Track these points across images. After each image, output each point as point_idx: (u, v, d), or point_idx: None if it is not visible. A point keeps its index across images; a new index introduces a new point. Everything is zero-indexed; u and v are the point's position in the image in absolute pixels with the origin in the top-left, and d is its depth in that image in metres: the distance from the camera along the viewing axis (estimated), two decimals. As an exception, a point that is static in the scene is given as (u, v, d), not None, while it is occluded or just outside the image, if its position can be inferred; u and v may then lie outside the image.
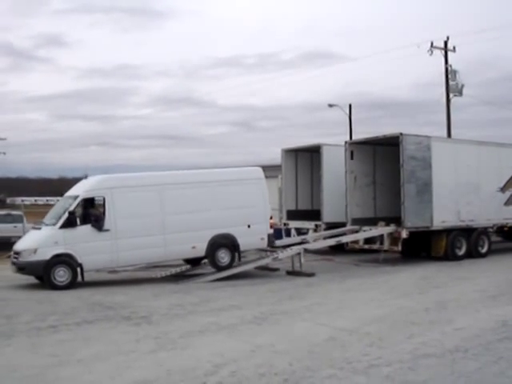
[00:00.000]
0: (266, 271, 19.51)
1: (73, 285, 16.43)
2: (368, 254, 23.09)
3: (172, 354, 9.18)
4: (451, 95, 36.64)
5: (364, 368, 8.08)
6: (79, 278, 16.78)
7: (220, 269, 18.03)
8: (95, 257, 16.62)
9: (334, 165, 23.83)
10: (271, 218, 19.36)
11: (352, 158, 22.89)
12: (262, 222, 18.70)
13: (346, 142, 23.73)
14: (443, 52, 36.63)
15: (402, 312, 12.22)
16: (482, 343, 9.29)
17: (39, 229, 17.49)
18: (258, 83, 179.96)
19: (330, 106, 47.36)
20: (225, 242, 18.09)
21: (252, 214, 18.47)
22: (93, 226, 16.87)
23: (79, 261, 16.50)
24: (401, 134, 20.96)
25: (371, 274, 19.01)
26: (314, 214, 24.70)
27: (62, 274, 16.27)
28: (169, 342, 9.95)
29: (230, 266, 18.21)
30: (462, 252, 22.28)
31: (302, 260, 18.84)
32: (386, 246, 21.40)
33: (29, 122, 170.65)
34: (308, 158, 26.71)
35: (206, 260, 18.73)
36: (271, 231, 19.11)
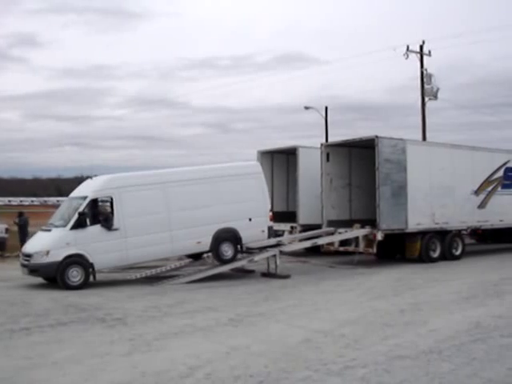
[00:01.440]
0: (242, 273, 19.50)
1: (86, 284, 16.71)
2: (343, 255, 23.17)
3: (147, 356, 9.13)
4: (426, 99, 36.92)
5: (339, 369, 8.10)
6: (91, 278, 17.09)
7: (224, 262, 18.53)
8: (106, 256, 16.95)
9: (310, 167, 23.90)
10: (271, 210, 19.67)
11: (328, 160, 22.96)
12: (262, 215, 19.10)
13: (321, 145, 23.79)
14: (419, 56, 36.90)
15: (376, 314, 12.28)
16: (456, 344, 9.36)
17: (49, 231, 17.57)
18: (233, 85, 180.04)
19: (306, 108, 47.49)
20: (228, 236, 18.49)
21: (252, 207, 18.91)
22: (102, 225, 17.16)
23: (91, 260, 16.80)
24: (376, 136, 21.07)
25: (346, 276, 19.07)
26: (289, 216, 24.73)
27: (75, 275, 16.55)
28: (144, 344, 9.89)
29: (233, 258, 18.72)
30: (436, 254, 22.46)
31: (278, 262, 18.87)
32: (362, 248, 21.49)
33: (2, 122, 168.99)
34: (284, 159, 26.76)
35: (206, 254, 19.09)
36: (271, 223, 19.49)
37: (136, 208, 17.46)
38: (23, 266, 17.33)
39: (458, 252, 23.30)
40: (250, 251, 19.46)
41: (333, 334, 10.44)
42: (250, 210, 18.81)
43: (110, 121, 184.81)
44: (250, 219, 18.81)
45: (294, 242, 21.32)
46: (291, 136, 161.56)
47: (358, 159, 23.64)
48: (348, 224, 22.12)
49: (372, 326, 11.11)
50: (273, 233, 19.73)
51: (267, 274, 18.89)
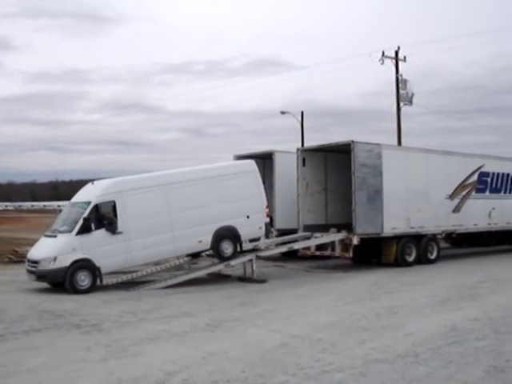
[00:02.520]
0: (218, 278, 19.46)
1: (93, 288, 16.88)
2: (320, 260, 23.23)
3: (123, 362, 9.07)
4: (402, 104, 37.20)
5: (316, 374, 8.11)
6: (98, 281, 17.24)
7: (224, 259, 18.81)
8: (111, 259, 17.16)
9: (286, 171, 23.94)
10: (267, 207, 19.90)
11: (304, 164, 23.01)
12: (259, 212, 19.36)
13: (298, 149, 23.84)
14: (394, 61, 37.18)
15: (353, 318, 12.31)
16: (432, 348, 9.42)
17: (54, 237, 17.64)
18: (208, 90, 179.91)
19: (283, 113, 47.68)
20: (227, 234, 18.78)
21: (250, 205, 19.15)
22: (107, 229, 17.32)
23: (97, 264, 16.99)
24: (352, 141, 21.16)
25: (323, 280, 19.12)
26: (265, 221, 24.69)
27: (83, 279, 16.76)
28: (120, 349, 9.82)
29: (233, 255, 18.94)
30: (411, 258, 22.58)
31: (254, 266, 18.88)
32: (338, 252, 21.56)
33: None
34: (260, 164, 26.54)
35: (204, 253, 19.55)
36: (268, 220, 19.78)
37: (138, 211, 17.68)
38: (30, 272, 17.41)
39: (433, 256, 23.45)
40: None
41: (310, 338, 10.45)
42: (247, 208, 19.09)
43: (84, 125, 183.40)
44: (248, 216, 19.09)
45: (271, 247, 21.31)
46: (267, 141, 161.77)
47: (334, 164, 23.71)
48: (324, 228, 22.18)
49: (349, 330, 11.14)
50: (270, 229, 20.13)
51: (244, 279, 18.89)
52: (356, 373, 8.12)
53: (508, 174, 27.43)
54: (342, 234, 21.24)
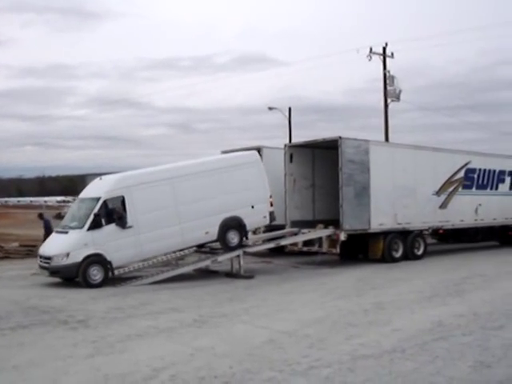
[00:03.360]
0: (206, 274, 19.45)
1: (105, 281, 17.16)
2: (307, 256, 23.26)
3: (110, 358, 9.04)
4: (389, 100, 37.28)
5: (303, 370, 8.12)
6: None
7: (231, 249, 19.07)
8: (122, 253, 17.49)
9: (274, 167, 23.86)
10: (271, 196, 20.07)
11: (291, 160, 23.03)
12: (263, 201, 19.65)
13: (285, 145, 23.85)
14: (381, 58, 37.25)
15: (340, 314, 12.33)
16: (419, 343, 9.45)
17: (65, 233, 17.94)
18: (195, 86, 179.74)
19: (270, 108, 47.63)
20: (233, 224, 19.08)
21: (254, 195, 19.48)
22: (117, 224, 17.59)
23: (108, 258, 17.32)
24: (340, 137, 21.18)
25: (310, 276, 19.14)
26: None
27: (95, 273, 17.08)
28: (107, 346, 9.79)
29: (239, 245, 19.23)
30: (398, 254, 22.66)
31: (242, 262, 18.90)
32: (325, 248, 21.60)
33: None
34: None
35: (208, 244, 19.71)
36: (272, 209, 19.95)
37: (147, 205, 17.97)
38: (43, 268, 17.69)
39: (420, 252, 23.55)
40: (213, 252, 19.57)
41: (297, 334, 10.46)
42: (251, 198, 19.40)
43: (71, 120, 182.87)
44: (253, 206, 19.40)
45: (258, 243, 21.31)
46: (253, 137, 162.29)
47: (322, 160, 23.74)
48: (311, 224, 22.22)
49: (336, 325, 11.15)
50: (274, 218, 20.21)
51: (231, 275, 18.90)
52: (343, 368, 8.14)
53: (494, 171, 27.57)
54: (330, 230, 21.27)
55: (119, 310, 13.34)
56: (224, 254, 19.17)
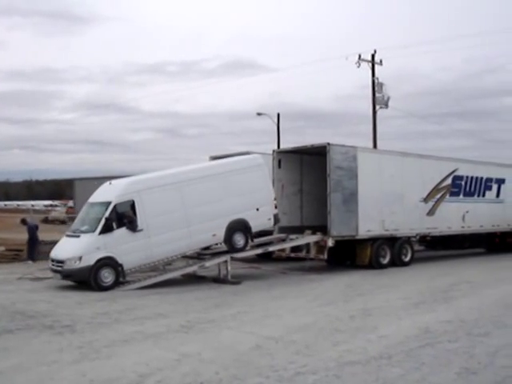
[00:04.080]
0: (193, 279, 19.40)
1: (116, 284, 17.43)
2: (295, 262, 23.27)
3: (96, 363, 8.99)
4: (377, 107, 37.42)
5: (290, 376, 8.11)
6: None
7: (237, 251, 19.47)
8: (133, 256, 17.72)
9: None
10: (275, 199, 20.48)
11: (280, 166, 23.03)
12: (267, 204, 20.04)
13: (273, 151, 23.86)
14: (370, 65, 37.40)
15: (327, 320, 12.34)
16: (405, 350, 9.46)
17: (77, 236, 18.10)
18: (183, 91, 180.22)
19: (259, 114, 47.72)
20: (239, 227, 19.44)
21: (259, 197, 19.81)
22: (128, 228, 17.83)
23: (119, 261, 17.54)
24: (328, 143, 21.22)
25: (297, 282, 19.14)
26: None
27: (106, 276, 17.31)
28: (93, 351, 9.74)
29: (245, 247, 19.73)
30: (386, 260, 22.71)
31: (229, 268, 18.88)
32: (313, 254, 21.62)
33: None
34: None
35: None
36: (276, 211, 20.32)
37: (156, 208, 18.19)
38: (55, 271, 17.94)
39: (408, 258, 23.62)
40: (201, 257, 19.55)
41: (284, 340, 10.44)
42: (256, 201, 19.71)
43: (58, 124, 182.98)
44: (258, 209, 19.70)
45: (246, 248, 21.28)
46: (242, 142, 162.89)
47: (310, 166, 23.75)
48: (299, 230, 22.21)
49: (323, 332, 11.15)
50: (278, 220, 20.59)
51: (218, 280, 18.86)
52: (330, 375, 8.13)
53: (482, 178, 27.72)
54: (317, 236, 21.29)
55: (106, 315, 13.27)
56: (211, 260, 19.18)
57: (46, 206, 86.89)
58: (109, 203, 17.85)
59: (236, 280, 18.71)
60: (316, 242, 21.36)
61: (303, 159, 23.99)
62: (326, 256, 21.40)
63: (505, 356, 9.11)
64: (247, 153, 24.81)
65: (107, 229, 17.52)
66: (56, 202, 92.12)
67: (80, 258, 17.17)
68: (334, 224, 21.12)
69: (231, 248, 19.40)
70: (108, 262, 17.37)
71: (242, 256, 20.56)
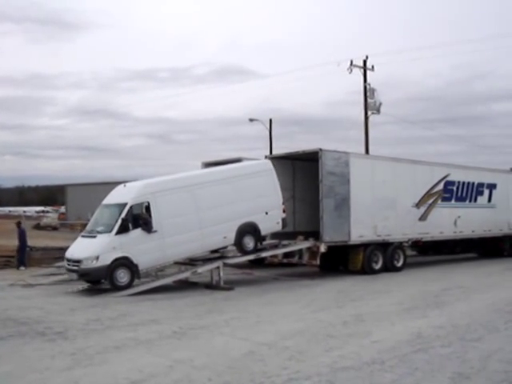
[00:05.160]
0: (185, 285, 19.37)
1: (132, 284, 17.78)
2: (287, 267, 23.26)
3: (88, 370, 8.95)
4: (369, 113, 37.50)
5: (283, 382, 8.10)
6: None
7: (247, 253, 20.01)
8: (148, 256, 18.03)
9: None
10: (283, 203, 20.75)
11: (272, 172, 22.99)
12: (276, 208, 20.41)
13: (265, 157, 23.88)
14: (362, 70, 37.48)
15: (320, 325, 12.34)
16: (398, 355, 9.47)
17: (93, 237, 18.38)
18: (174, 97, 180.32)
19: (251, 120, 47.71)
20: (249, 230, 19.83)
21: (268, 201, 20.24)
22: (143, 229, 18.13)
23: (135, 262, 17.87)
24: (320, 149, 21.26)
25: (290, 287, 19.13)
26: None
27: (122, 276, 17.69)
28: (85, 358, 9.70)
29: (254, 250, 20.12)
30: (378, 266, 22.74)
31: (221, 274, 18.85)
32: (305, 260, 21.65)
33: None
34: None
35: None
36: (284, 215, 20.66)
37: (170, 210, 18.56)
38: (71, 271, 18.26)
39: (400, 264, 23.64)
40: (193, 263, 19.56)
41: (276, 346, 10.43)
42: (265, 205, 20.11)
43: (50, 130, 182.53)
44: (267, 213, 20.11)
45: (238, 254, 21.26)
46: (233, 148, 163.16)
47: (302, 172, 23.79)
48: (292, 236, 22.21)
49: (315, 337, 11.15)
50: (286, 224, 20.85)
51: (211, 286, 18.82)
52: (323, 380, 8.13)
53: (473, 183, 27.82)
54: (310, 242, 21.31)
55: (98, 321, 13.23)
56: (204, 266, 19.17)
57: (37, 212, 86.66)
58: (125, 204, 18.16)
59: (228, 286, 18.69)
60: (308, 248, 21.39)
61: (295, 165, 24.03)
62: (318, 262, 21.42)
63: (497, 360, 9.14)
64: (239, 159, 24.87)
65: (123, 229, 17.85)
66: (48, 208, 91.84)
67: (97, 258, 17.45)
68: (327, 230, 21.15)
69: (241, 251, 19.89)
70: (124, 262, 17.70)
71: (235, 262, 20.56)
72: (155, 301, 16.41)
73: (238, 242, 19.67)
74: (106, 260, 17.44)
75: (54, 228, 57.14)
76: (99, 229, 18.52)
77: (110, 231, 17.86)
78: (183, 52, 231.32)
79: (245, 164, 22.22)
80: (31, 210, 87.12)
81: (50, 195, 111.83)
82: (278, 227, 20.61)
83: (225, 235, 19.36)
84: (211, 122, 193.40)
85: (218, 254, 19.92)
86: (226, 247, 20.09)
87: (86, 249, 18.01)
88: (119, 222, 17.84)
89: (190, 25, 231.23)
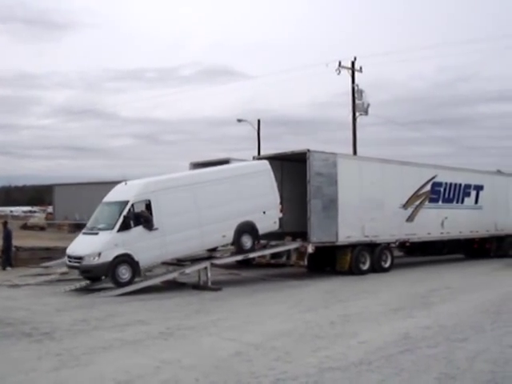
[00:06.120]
0: (173, 286, 19.33)
1: (133, 280, 17.92)
2: (275, 268, 23.27)
3: (75, 371, 8.92)
4: (357, 114, 37.57)
5: (270, 382, 8.11)
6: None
7: (245, 252, 20.21)
8: (148, 253, 18.19)
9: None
10: (281, 203, 20.97)
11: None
12: (273, 208, 20.71)
13: (254, 157, 23.90)
14: (350, 72, 37.55)
15: (307, 326, 12.35)
16: (385, 356, 9.49)
17: (95, 234, 18.53)
18: (161, 97, 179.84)
19: (239, 120, 47.67)
20: (247, 229, 20.08)
21: (265, 201, 20.52)
22: (144, 226, 18.27)
23: (136, 259, 17.97)
24: (308, 150, 21.29)
25: (277, 288, 19.13)
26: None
27: (124, 272, 17.80)
28: (72, 358, 9.66)
29: (252, 249, 20.41)
30: (366, 267, 22.78)
31: (209, 274, 18.84)
32: (293, 260, 21.68)
33: None
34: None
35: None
36: (281, 215, 20.87)
37: (171, 208, 18.74)
38: (72, 267, 18.59)
39: (387, 264, 23.69)
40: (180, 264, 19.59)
41: (264, 346, 10.44)
42: (263, 204, 20.40)
43: (37, 130, 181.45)
44: (264, 212, 20.38)
45: (226, 255, 21.27)
46: (221, 148, 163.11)
47: (290, 172, 23.76)
48: (279, 237, 22.19)
49: (303, 338, 11.16)
50: (283, 223, 21.12)
51: (198, 287, 18.80)
52: (310, 381, 8.14)
53: (460, 185, 27.93)
54: (297, 243, 21.34)
55: (85, 322, 13.18)
56: (191, 266, 19.19)
57: (24, 212, 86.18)
58: (126, 202, 18.31)
59: (216, 286, 18.68)
60: (296, 249, 21.43)
61: (283, 165, 24.00)
62: (306, 262, 21.45)
63: (483, 361, 9.18)
64: (228, 159, 24.88)
65: (125, 227, 17.99)
66: (35, 208, 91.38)
67: (99, 254, 17.54)
68: (314, 230, 21.18)
69: (239, 249, 20.11)
70: (125, 259, 17.80)
71: (222, 262, 20.57)
72: (143, 301, 16.37)
73: (237, 241, 19.90)
74: (108, 257, 17.54)
75: (42, 228, 56.84)
76: (101, 226, 18.65)
77: (112, 228, 17.98)
78: (170, 52, 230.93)
79: (244, 164, 22.44)
80: (18, 209, 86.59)
81: (37, 195, 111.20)
82: (275, 227, 20.77)
83: (224, 234, 19.57)
84: (199, 123, 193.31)
85: (205, 254, 19.96)
86: (227, 245, 20.42)
87: (88, 245, 18.11)
88: (121, 219, 17.98)
89: (178, 25, 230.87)
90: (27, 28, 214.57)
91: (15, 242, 26.07)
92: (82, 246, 18.42)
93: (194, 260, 19.78)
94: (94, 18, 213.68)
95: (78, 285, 18.50)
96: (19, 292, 18.31)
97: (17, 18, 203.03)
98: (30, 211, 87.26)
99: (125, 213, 18.05)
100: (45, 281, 20.31)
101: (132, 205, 18.29)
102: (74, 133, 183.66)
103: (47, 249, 27.07)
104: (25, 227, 54.19)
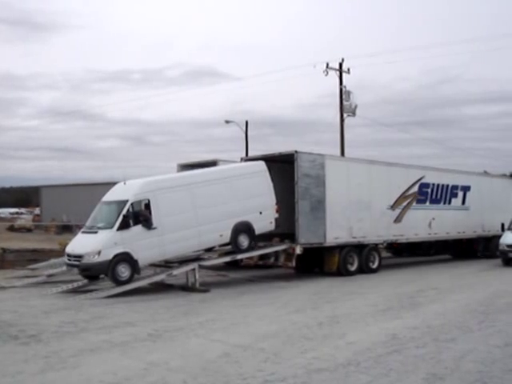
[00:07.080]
0: (161, 287, 19.29)
1: (132, 279, 18.11)
2: (263, 269, 23.25)
3: (62, 374, 8.87)
4: (345, 115, 37.66)
5: (258, 384, 8.09)
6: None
7: (242, 251, 20.53)
8: (147, 252, 18.41)
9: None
10: (277, 203, 21.09)
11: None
12: (270, 208, 20.93)
13: (241, 159, 23.89)
14: (338, 73, 37.64)
15: (295, 327, 12.35)
16: (373, 356, 9.50)
17: (95, 233, 18.63)
18: (147, 99, 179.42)
19: (227, 122, 47.66)
20: (244, 229, 20.37)
21: (262, 202, 20.79)
22: (143, 225, 18.46)
23: (135, 257, 18.17)
24: (296, 151, 21.30)
25: (265, 289, 19.14)
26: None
27: (123, 271, 17.99)
28: (59, 361, 9.61)
29: (249, 248, 20.65)
30: (353, 268, 22.82)
31: (197, 276, 18.83)
32: (281, 261, 21.67)
33: None
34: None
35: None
36: (277, 215, 21.07)
37: (169, 208, 18.97)
38: (72, 266, 18.65)
39: (375, 265, 23.75)
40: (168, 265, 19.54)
41: (252, 348, 10.42)
42: (260, 205, 20.67)
43: (23, 131, 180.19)
44: (261, 212, 20.64)
45: (214, 256, 21.22)
46: (208, 150, 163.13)
47: (278, 174, 23.67)
48: (267, 238, 22.16)
49: (291, 339, 11.15)
50: (278, 224, 21.18)
51: (186, 288, 18.78)
52: (298, 382, 8.13)
53: (447, 186, 28.04)
54: (285, 244, 21.34)
55: (72, 324, 13.12)
56: (179, 268, 19.17)
57: (11, 213, 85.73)
58: (126, 201, 18.47)
59: (204, 288, 18.66)
60: (284, 250, 21.42)
61: (271, 167, 23.86)
62: (294, 263, 21.45)
63: (471, 361, 9.21)
64: (215, 161, 24.86)
65: (124, 226, 18.13)
66: (22, 210, 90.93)
67: (99, 253, 17.67)
68: (302, 231, 21.19)
69: (236, 249, 20.35)
70: (125, 258, 17.94)
71: (210, 264, 20.54)
72: (130, 303, 16.32)
73: (234, 241, 20.13)
74: (108, 255, 17.66)
75: (29, 230, 56.51)
76: (100, 225, 18.77)
77: (112, 227, 18.11)
78: (156, 53, 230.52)
79: (241, 165, 22.67)
80: (5, 211, 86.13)
81: (24, 196, 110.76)
82: (271, 227, 20.98)
83: (221, 233, 19.82)
84: (185, 124, 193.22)
85: (193, 256, 19.97)
86: (226, 244, 20.44)
87: (88, 244, 18.21)
88: (120, 218, 18.12)
89: (163, 26, 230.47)
90: (12, 29, 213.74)
91: (2, 244, 25.93)
92: (82, 244, 18.52)
93: (182, 261, 19.74)
94: (79, 20, 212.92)
95: (65, 287, 18.42)
96: (6, 294, 18.20)
97: (1, 19, 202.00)
98: (17, 213, 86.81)
99: (124, 212, 18.20)
100: (32, 283, 20.20)
101: (131, 204, 18.44)
102: (60, 134, 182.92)
103: (34, 251, 26.97)
104: (12, 229, 53.90)
